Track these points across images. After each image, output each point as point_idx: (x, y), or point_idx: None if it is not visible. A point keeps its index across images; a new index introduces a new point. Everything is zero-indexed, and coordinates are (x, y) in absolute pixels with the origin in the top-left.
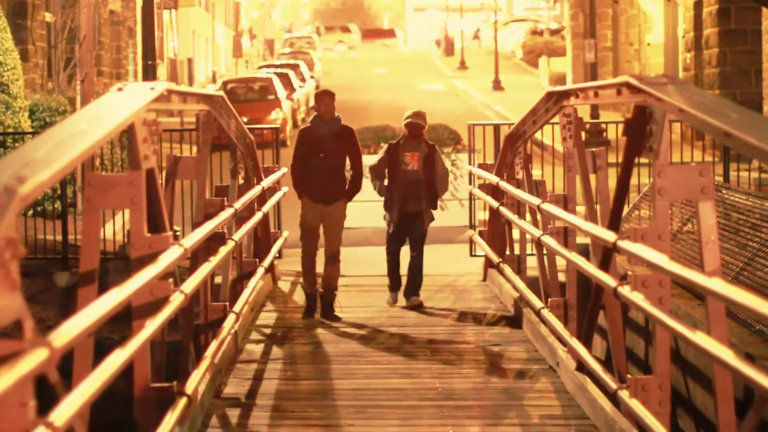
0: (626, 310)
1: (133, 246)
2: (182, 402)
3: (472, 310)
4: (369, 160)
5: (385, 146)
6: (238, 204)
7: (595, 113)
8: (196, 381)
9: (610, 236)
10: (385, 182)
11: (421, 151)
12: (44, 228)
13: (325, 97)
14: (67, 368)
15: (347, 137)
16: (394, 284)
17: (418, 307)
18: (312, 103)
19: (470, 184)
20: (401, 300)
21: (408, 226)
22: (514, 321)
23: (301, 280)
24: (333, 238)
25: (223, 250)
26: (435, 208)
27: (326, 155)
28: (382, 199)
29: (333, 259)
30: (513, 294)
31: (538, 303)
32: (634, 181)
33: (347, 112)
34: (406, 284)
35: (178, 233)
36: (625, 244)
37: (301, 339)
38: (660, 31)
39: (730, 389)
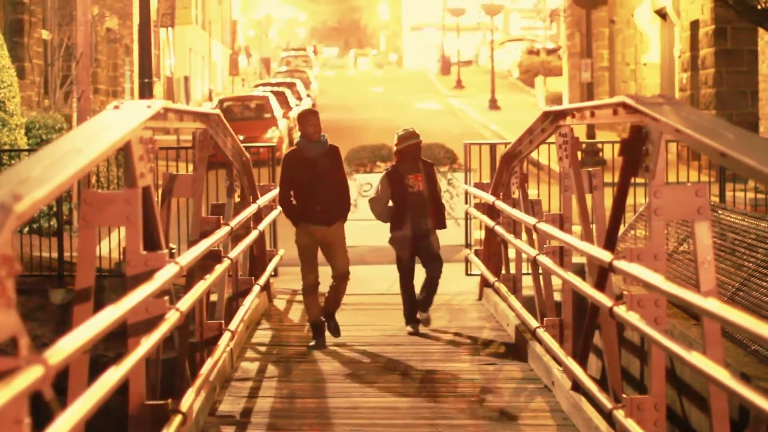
0: (622, 330)
1: (129, 263)
2: (177, 420)
3: (467, 329)
4: (365, 179)
5: (383, 176)
6: (234, 222)
7: (591, 133)
8: (191, 399)
9: (605, 256)
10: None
11: (421, 171)
12: (40, 245)
13: (310, 116)
14: (62, 385)
15: (337, 156)
16: (412, 315)
17: (426, 323)
18: None
19: (466, 203)
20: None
21: (419, 247)
22: (514, 350)
23: (296, 297)
24: (342, 259)
25: (219, 268)
26: (444, 227)
27: (322, 176)
28: (374, 218)
29: (343, 278)
30: (509, 314)
31: (533, 322)
32: (630, 200)
33: (343, 131)
34: (420, 298)
35: (174, 251)
36: (621, 264)
37: (296, 357)
38: (656, 51)
39: (726, 409)
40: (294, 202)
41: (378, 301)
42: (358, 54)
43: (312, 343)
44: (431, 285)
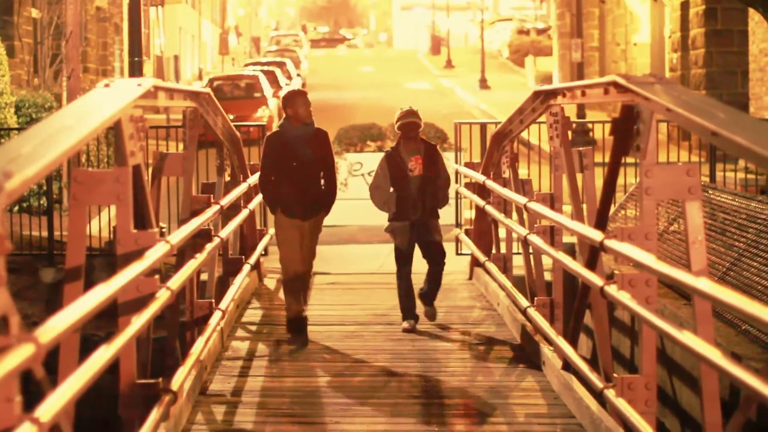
0: (612, 310)
1: (120, 242)
2: (168, 398)
3: (457, 308)
4: (355, 158)
5: (381, 159)
6: (225, 201)
7: (581, 113)
8: (182, 377)
9: (596, 235)
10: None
11: (420, 152)
12: (30, 224)
13: (298, 97)
14: (53, 364)
15: (323, 142)
16: (410, 311)
17: (432, 317)
18: None
19: (456, 182)
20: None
21: (419, 235)
22: (505, 329)
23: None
24: (310, 251)
25: (209, 247)
26: (437, 215)
27: (300, 164)
28: (365, 198)
29: (308, 268)
30: (499, 293)
31: (524, 302)
32: (621, 180)
33: (333, 111)
34: (424, 288)
35: (164, 230)
36: (612, 244)
37: (286, 336)
38: (647, 32)
39: (717, 389)
40: (273, 189)
41: (368, 280)
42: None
43: (293, 347)
44: (435, 278)
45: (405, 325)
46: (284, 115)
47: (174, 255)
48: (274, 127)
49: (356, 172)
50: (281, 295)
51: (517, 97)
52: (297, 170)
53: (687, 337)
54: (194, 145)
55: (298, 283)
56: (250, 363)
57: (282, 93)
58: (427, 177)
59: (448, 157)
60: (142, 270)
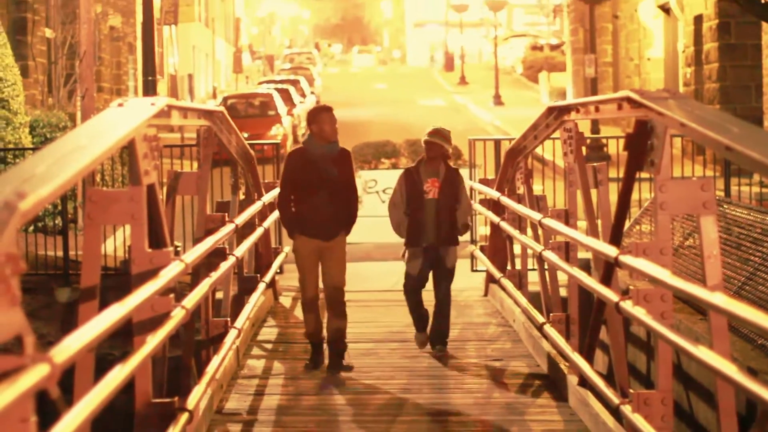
0: (628, 325)
1: (134, 261)
2: (183, 417)
3: (473, 325)
4: (369, 175)
5: (400, 175)
6: (239, 219)
7: (595, 128)
8: (198, 396)
9: (611, 251)
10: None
11: (439, 175)
12: (45, 244)
13: (325, 114)
14: (68, 384)
15: (346, 162)
16: (421, 323)
17: (445, 358)
18: None
19: (471, 199)
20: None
21: (431, 263)
22: (521, 345)
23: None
24: (335, 275)
25: (224, 266)
26: (453, 243)
27: (326, 183)
28: (384, 214)
29: (337, 301)
30: (515, 309)
31: (540, 318)
32: (635, 195)
33: (347, 128)
34: (431, 330)
35: (179, 249)
36: (627, 259)
37: (302, 354)
38: (660, 46)
39: (733, 404)
40: (293, 209)
41: (383, 297)
42: (361, 50)
43: (307, 363)
44: (442, 311)
45: (417, 335)
46: (308, 132)
47: (189, 274)
48: (288, 146)
49: (371, 190)
50: (297, 313)
51: (531, 113)
52: (320, 189)
53: (703, 352)
54: (208, 163)
55: (316, 303)
56: (266, 381)
57: (296, 111)
58: (442, 202)
59: (462, 174)
60: (156, 289)
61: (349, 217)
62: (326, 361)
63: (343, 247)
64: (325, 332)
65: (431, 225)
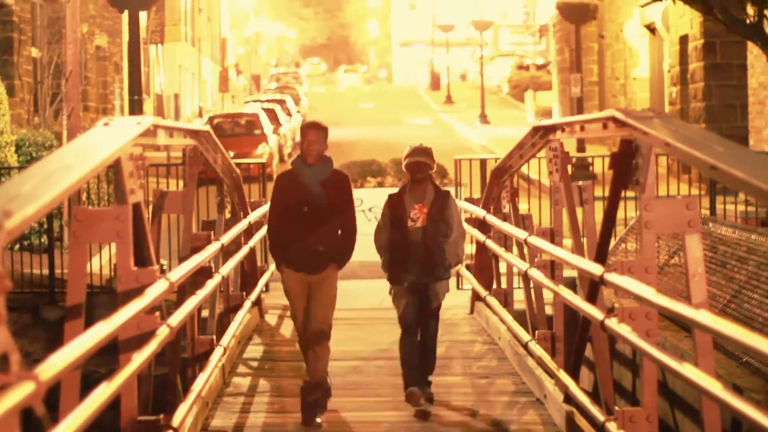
0: (613, 343)
1: (120, 280)
2: None
3: (459, 343)
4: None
5: (385, 201)
6: (225, 238)
7: (581, 147)
8: (183, 414)
9: (596, 269)
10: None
11: (427, 200)
12: (31, 262)
13: (309, 131)
14: (53, 401)
15: (340, 186)
16: (414, 378)
17: (430, 403)
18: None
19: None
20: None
21: (418, 300)
22: (506, 363)
23: (287, 313)
24: (321, 316)
25: (210, 284)
26: (440, 278)
27: (312, 210)
28: (367, 232)
29: (320, 338)
30: (500, 327)
31: (525, 336)
32: (620, 214)
33: (333, 147)
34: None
35: (164, 267)
36: (612, 277)
37: (288, 372)
38: (646, 66)
39: (718, 421)
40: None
41: (369, 315)
42: (347, 70)
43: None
44: (427, 353)
45: (411, 392)
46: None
47: (175, 292)
48: (275, 165)
49: (357, 208)
50: (282, 331)
51: (516, 132)
52: (305, 216)
53: (688, 370)
54: (194, 182)
55: (310, 339)
56: (252, 399)
57: (282, 130)
58: (431, 231)
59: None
60: (142, 307)
61: (341, 249)
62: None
63: (332, 283)
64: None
65: (416, 259)
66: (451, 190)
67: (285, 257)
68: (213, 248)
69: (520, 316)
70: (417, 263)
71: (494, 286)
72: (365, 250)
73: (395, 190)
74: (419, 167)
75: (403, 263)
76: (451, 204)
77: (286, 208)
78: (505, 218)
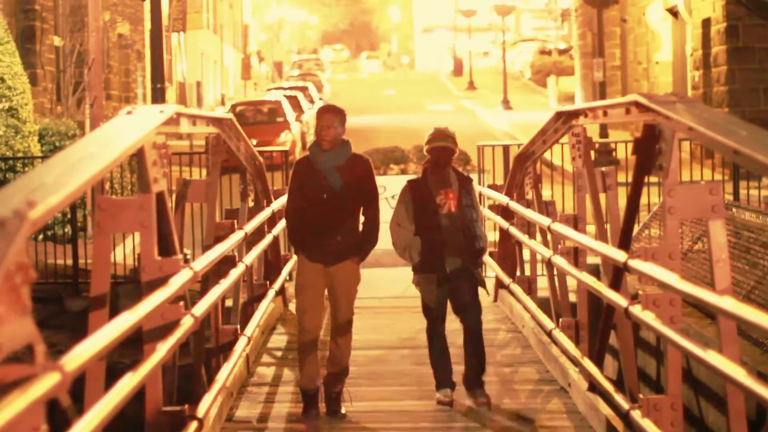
0: (637, 330)
1: (144, 269)
2: (193, 425)
3: (483, 331)
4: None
5: (403, 188)
6: (249, 227)
7: (604, 132)
8: (208, 404)
9: (620, 256)
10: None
11: (452, 185)
12: (55, 252)
13: (325, 115)
14: (78, 392)
15: (360, 171)
16: (445, 377)
17: (488, 408)
18: None
19: (480, 204)
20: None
21: (453, 292)
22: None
23: None
24: (345, 306)
25: (234, 273)
26: (478, 266)
27: (330, 197)
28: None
29: (343, 330)
30: (524, 315)
31: (549, 323)
32: (644, 200)
33: (355, 134)
34: (466, 370)
35: (188, 256)
36: (636, 264)
37: None
38: (668, 50)
39: (743, 408)
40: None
41: (393, 304)
42: (369, 56)
43: (302, 415)
44: (475, 345)
45: (439, 396)
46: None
47: (198, 281)
48: (297, 152)
49: (380, 196)
50: None
51: (539, 117)
52: (325, 204)
53: (712, 357)
54: (217, 171)
55: (315, 342)
56: (276, 389)
57: (304, 117)
58: (461, 216)
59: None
60: (166, 297)
61: (365, 238)
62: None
63: (352, 274)
64: (321, 380)
65: (453, 245)
66: (474, 176)
67: (303, 243)
68: (236, 237)
69: (543, 304)
70: (453, 251)
71: (518, 273)
72: (388, 237)
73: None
74: (443, 152)
75: (438, 249)
76: (473, 188)
77: (304, 196)
78: (528, 205)
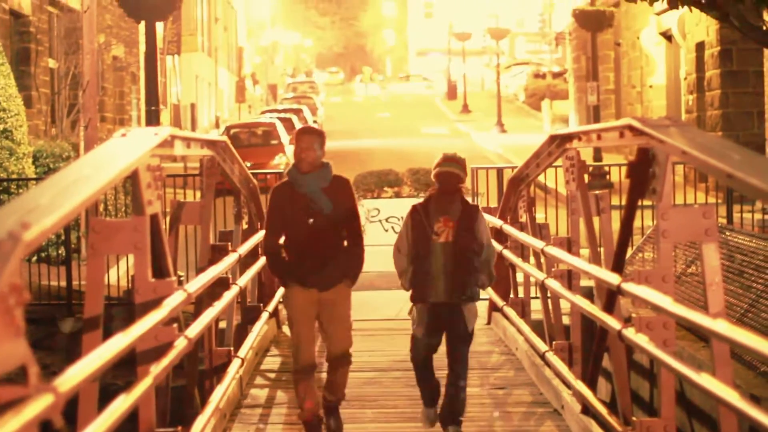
0: (631, 353)
1: (138, 291)
2: None
3: (476, 353)
4: (372, 204)
5: (407, 213)
6: (242, 249)
7: (598, 156)
8: (201, 426)
9: (614, 278)
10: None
11: (453, 214)
12: (48, 274)
13: (303, 137)
14: (72, 413)
15: (343, 192)
16: (429, 397)
17: None
18: None
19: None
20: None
21: (443, 325)
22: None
23: None
24: (340, 337)
25: (228, 295)
26: (472, 299)
27: (317, 221)
28: (386, 242)
29: (341, 362)
30: (518, 338)
31: (542, 346)
32: (637, 223)
33: (350, 157)
34: (443, 407)
35: (182, 278)
36: (629, 287)
37: None
38: (662, 74)
39: (736, 431)
40: (283, 254)
41: (387, 326)
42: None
43: None
44: (456, 382)
45: (425, 412)
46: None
47: (192, 303)
48: None
49: (373, 219)
50: None
51: (533, 140)
52: (312, 228)
53: (705, 380)
54: (211, 193)
55: (312, 372)
56: (270, 411)
57: None
58: (458, 246)
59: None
60: (160, 319)
61: (353, 260)
62: None
63: (346, 299)
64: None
65: (441, 276)
66: (468, 199)
67: (291, 272)
68: (230, 259)
69: (537, 327)
70: (440, 282)
71: (511, 296)
72: (382, 260)
73: (412, 200)
74: (448, 178)
75: (427, 278)
76: (480, 220)
77: (287, 223)
78: (522, 227)
